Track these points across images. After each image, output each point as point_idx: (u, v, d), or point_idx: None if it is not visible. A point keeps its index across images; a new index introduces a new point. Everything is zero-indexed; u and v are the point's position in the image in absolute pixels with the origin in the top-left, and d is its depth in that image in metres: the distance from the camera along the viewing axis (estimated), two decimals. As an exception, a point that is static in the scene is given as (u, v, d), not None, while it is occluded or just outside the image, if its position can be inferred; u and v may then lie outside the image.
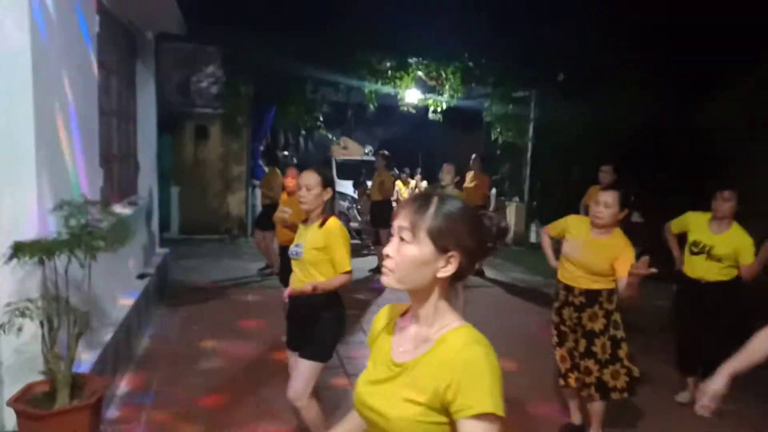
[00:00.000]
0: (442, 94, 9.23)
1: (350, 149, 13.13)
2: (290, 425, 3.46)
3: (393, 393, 1.15)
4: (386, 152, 8.05)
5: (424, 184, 11.05)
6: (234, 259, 8.23)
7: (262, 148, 9.85)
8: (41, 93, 2.79)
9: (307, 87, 8.97)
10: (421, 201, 1.19)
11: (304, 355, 2.80)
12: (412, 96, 9.30)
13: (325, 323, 2.83)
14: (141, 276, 5.12)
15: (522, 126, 9.93)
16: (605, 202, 3.10)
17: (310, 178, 2.83)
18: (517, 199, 10.40)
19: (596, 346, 3.18)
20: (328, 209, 2.89)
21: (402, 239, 1.17)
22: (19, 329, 2.49)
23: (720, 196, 3.58)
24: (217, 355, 4.58)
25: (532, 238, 9.78)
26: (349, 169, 11.51)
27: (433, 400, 1.08)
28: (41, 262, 2.59)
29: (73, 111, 3.28)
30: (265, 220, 7.15)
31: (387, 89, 9.15)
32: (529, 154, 10.06)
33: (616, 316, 3.21)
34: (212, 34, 8.40)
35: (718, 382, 1.96)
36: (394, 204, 8.49)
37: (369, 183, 9.16)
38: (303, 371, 2.78)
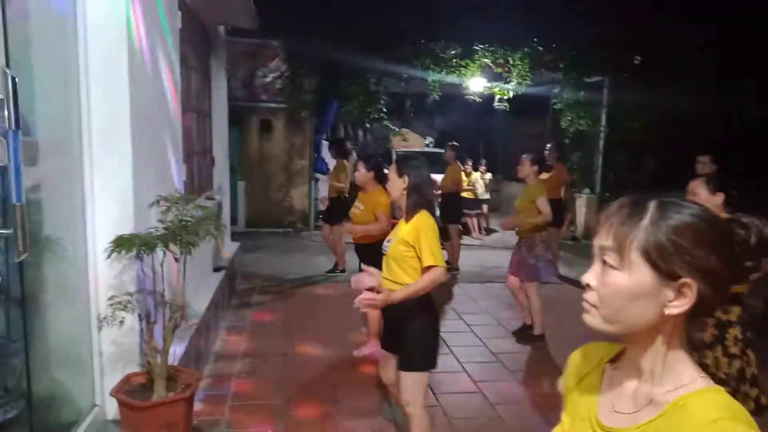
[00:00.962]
0: (508, 82, 8.92)
1: (410, 141, 13.00)
2: (373, 426, 3.41)
3: None
4: (456, 143, 7.83)
5: (489, 176, 10.76)
6: (300, 253, 8.32)
7: (325, 140, 9.89)
8: (136, 92, 2.84)
9: (370, 79, 8.90)
10: (631, 209, 0.87)
11: (400, 366, 2.69)
12: (477, 84, 9.05)
13: (416, 331, 2.66)
14: (217, 269, 5.23)
15: (594, 113, 9.46)
16: (692, 190, 2.86)
17: (391, 168, 2.79)
18: (588, 190, 9.96)
19: (708, 359, 2.72)
20: (417, 201, 2.68)
21: (605, 263, 0.88)
22: (121, 322, 2.54)
23: None
24: (292, 350, 4.59)
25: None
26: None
27: None
28: (138, 257, 2.64)
29: (160, 107, 3.34)
30: (331, 214, 7.18)
31: (451, 78, 8.94)
32: (601, 143, 9.59)
33: (736, 332, 2.72)
34: (276, 28, 8.46)
35: None
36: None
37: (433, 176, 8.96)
38: (403, 383, 2.67)
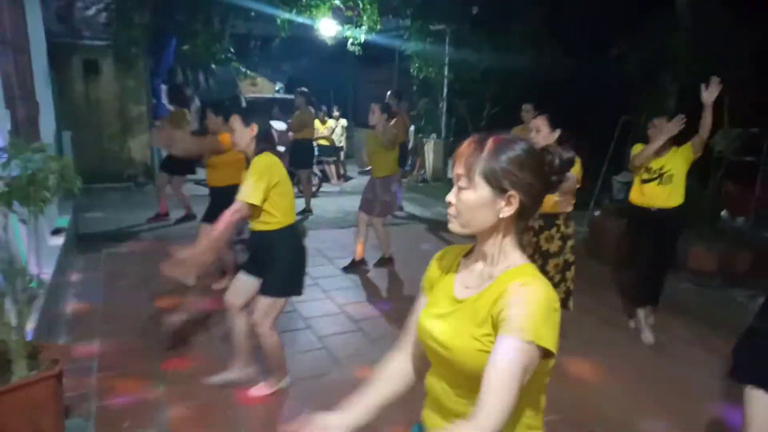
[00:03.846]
0: (360, 26, 8.86)
1: (260, 86, 12.35)
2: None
3: (456, 326, 1.19)
4: (305, 89, 7.72)
5: (343, 122, 10.78)
6: (144, 208, 7.59)
7: (164, 84, 8.96)
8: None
9: (213, 16, 8.15)
10: (475, 144, 1.18)
11: (261, 290, 2.91)
12: (328, 28, 8.85)
13: (278, 261, 2.89)
14: (56, 231, 4.58)
15: (439, 61, 9.89)
16: (536, 126, 3.37)
17: (232, 119, 2.86)
18: (434, 135, 10.54)
19: (549, 266, 3.45)
20: (264, 146, 2.86)
21: (460, 186, 1.18)
22: (-39, 299, 2.13)
23: (651, 125, 3.94)
24: (154, 309, 4.30)
25: (450, 174, 10.05)
26: (260, 108, 10.88)
27: (490, 329, 1.12)
28: (-27, 220, 2.21)
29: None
30: (172, 163, 6.70)
31: (300, 19, 8.59)
32: (444, 91, 10.11)
33: (573, 242, 3.48)
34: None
35: None
36: (314, 143, 8.24)
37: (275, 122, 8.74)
38: (259, 305, 2.90)
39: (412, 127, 10.74)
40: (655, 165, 3.93)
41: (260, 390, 3.13)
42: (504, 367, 1.05)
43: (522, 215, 1.19)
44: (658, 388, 3.41)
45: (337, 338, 3.97)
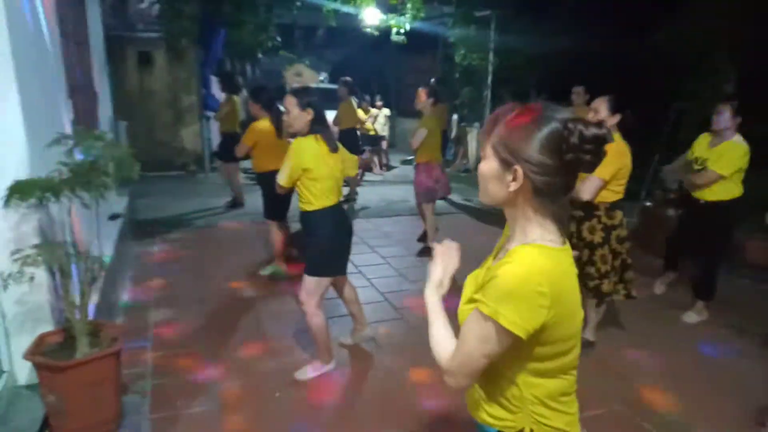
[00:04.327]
0: (403, 14, 8.80)
1: (304, 76, 12.49)
2: (293, 355, 3.49)
3: (468, 288, 1.25)
4: (348, 78, 7.78)
5: (386, 111, 10.77)
6: (196, 196, 7.89)
7: (213, 75, 9.19)
8: (12, 13, 2.40)
9: (260, 6, 8.27)
10: (499, 115, 1.15)
11: (304, 269, 3.06)
12: (372, 16, 8.83)
13: (311, 243, 3.05)
14: (113, 217, 4.80)
15: (484, 48, 9.72)
16: (596, 107, 3.26)
17: (287, 101, 2.91)
18: (478, 124, 10.39)
19: (596, 256, 3.36)
20: (317, 129, 2.91)
21: (481, 156, 1.19)
22: (31, 278, 2.27)
23: (715, 110, 3.69)
24: (206, 292, 4.46)
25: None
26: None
27: (481, 297, 1.14)
28: (41, 205, 2.34)
29: (38, 34, 2.86)
30: (225, 151, 6.94)
31: (345, 8, 8.61)
32: (489, 78, 9.94)
33: (620, 232, 3.36)
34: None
35: None
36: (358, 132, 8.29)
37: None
38: (303, 284, 3.06)
39: (454, 116, 10.64)
40: (703, 155, 3.76)
41: (305, 373, 3.20)
42: (463, 330, 1.15)
43: (540, 193, 1.10)
44: (710, 385, 3.28)
45: (380, 326, 4.00)
